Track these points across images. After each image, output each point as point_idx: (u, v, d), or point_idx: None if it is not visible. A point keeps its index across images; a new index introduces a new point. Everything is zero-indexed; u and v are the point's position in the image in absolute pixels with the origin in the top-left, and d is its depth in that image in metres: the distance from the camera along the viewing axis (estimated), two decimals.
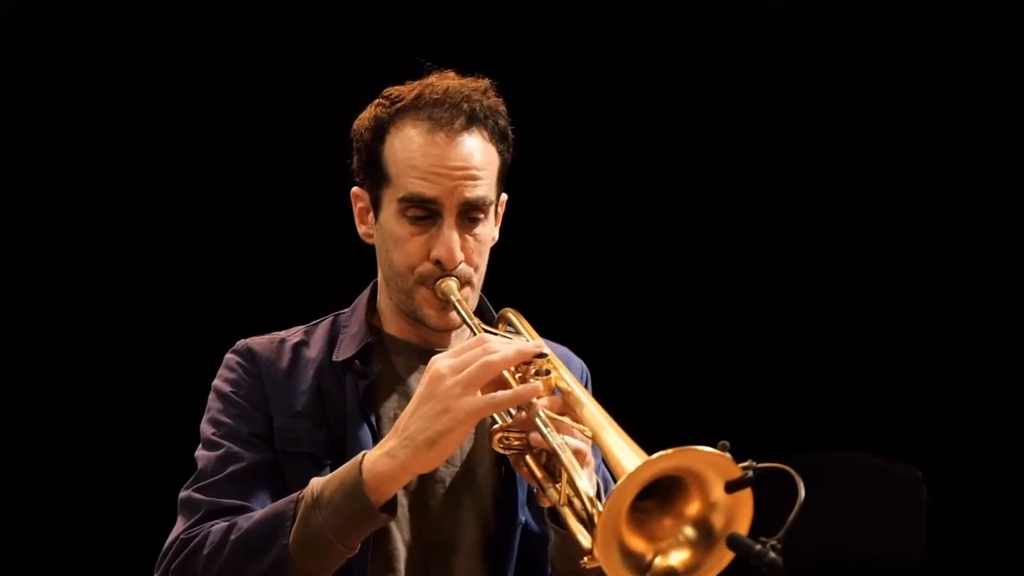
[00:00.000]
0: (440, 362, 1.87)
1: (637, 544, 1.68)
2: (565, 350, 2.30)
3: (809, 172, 4.09)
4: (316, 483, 1.92)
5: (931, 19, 3.99)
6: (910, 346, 4.09)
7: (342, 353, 2.13)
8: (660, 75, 4.03)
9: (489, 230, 2.13)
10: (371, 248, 2.19)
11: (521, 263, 3.61)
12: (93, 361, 3.75)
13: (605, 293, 4.08)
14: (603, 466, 2.12)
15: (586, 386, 2.24)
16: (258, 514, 1.95)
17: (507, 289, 2.29)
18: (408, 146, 2.05)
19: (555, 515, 1.95)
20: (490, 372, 1.83)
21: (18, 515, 3.74)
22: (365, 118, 2.13)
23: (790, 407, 4.08)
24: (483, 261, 2.12)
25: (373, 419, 2.08)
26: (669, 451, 1.62)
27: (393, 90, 2.12)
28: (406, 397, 2.06)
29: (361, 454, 1.91)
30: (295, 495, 1.93)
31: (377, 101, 2.13)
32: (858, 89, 4.05)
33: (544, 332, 2.19)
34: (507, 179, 2.16)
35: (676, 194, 4.11)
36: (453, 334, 2.19)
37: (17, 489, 3.73)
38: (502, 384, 1.88)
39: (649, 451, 1.66)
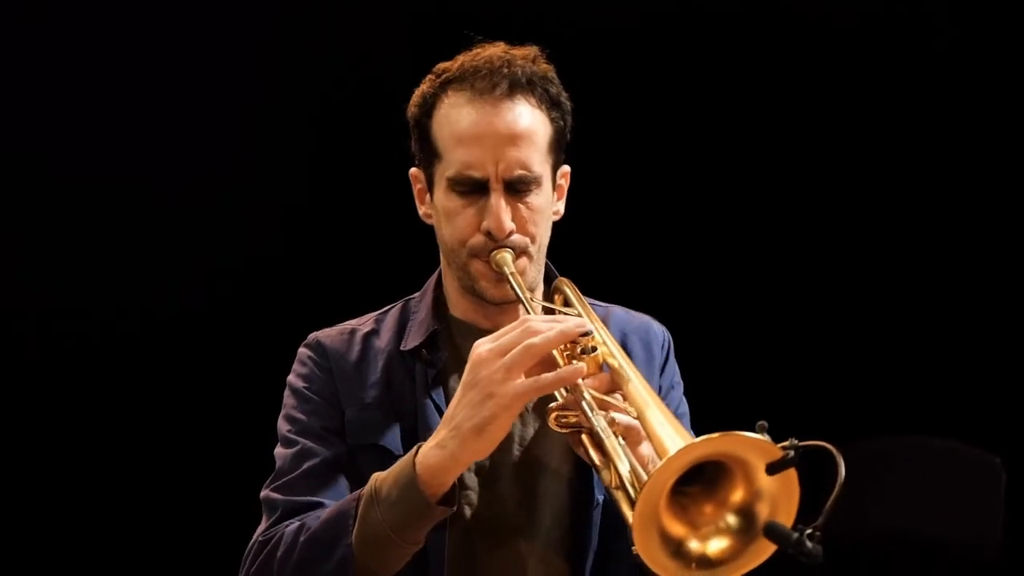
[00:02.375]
0: (482, 347, 1.82)
1: (676, 528, 1.63)
2: (645, 319, 2.24)
3: (881, 147, 4.07)
4: (376, 478, 1.89)
5: (931, 18, 3.96)
6: (993, 333, 4.06)
7: (410, 342, 2.10)
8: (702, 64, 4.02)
9: (544, 200, 2.05)
10: (431, 230, 2.16)
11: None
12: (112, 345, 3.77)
13: (680, 274, 4.07)
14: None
15: (666, 352, 2.21)
16: (325, 513, 1.94)
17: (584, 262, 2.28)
18: (452, 118, 2.01)
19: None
20: (533, 355, 1.78)
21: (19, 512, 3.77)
22: (415, 96, 2.09)
23: (869, 391, 4.05)
24: (541, 231, 2.05)
25: (443, 406, 2.02)
26: (708, 436, 1.57)
27: (441, 65, 2.07)
28: None
29: (416, 447, 1.87)
30: (357, 492, 1.91)
31: (427, 77, 2.08)
32: (855, 89, 4.04)
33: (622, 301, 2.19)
34: (566, 148, 2.10)
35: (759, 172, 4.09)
36: (520, 310, 2.11)
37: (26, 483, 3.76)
38: (549, 364, 1.82)
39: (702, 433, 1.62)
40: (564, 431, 1.83)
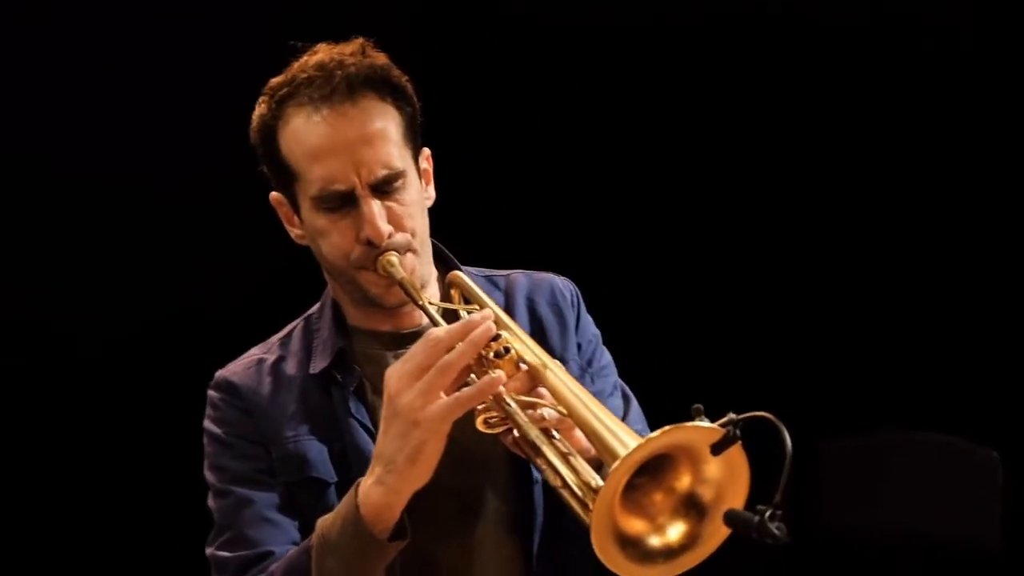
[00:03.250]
0: (395, 374, 1.75)
1: (634, 525, 1.60)
2: (547, 278, 2.14)
3: (859, 141, 4.08)
4: (322, 524, 1.83)
5: (930, 18, 3.96)
6: (990, 328, 4.05)
7: (318, 364, 2.00)
8: (664, 67, 4.04)
9: (414, 192, 1.95)
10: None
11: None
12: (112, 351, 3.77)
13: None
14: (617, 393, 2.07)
15: (576, 309, 2.12)
16: (279, 570, 1.87)
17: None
18: (299, 135, 1.90)
19: None
20: (448, 375, 1.71)
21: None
22: (254, 120, 1.98)
23: (866, 386, 4.06)
24: (418, 224, 1.95)
25: (369, 423, 1.95)
26: (648, 438, 1.53)
27: (273, 81, 1.96)
28: None
29: (355, 484, 1.80)
30: (306, 543, 1.84)
31: (260, 99, 1.97)
32: (851, 89, 4.05)
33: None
34: (421, 133, 1.99)
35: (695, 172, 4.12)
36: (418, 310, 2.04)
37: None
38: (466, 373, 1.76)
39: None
40: (496, 431, 1.78)
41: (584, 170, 4.07)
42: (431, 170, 2.04)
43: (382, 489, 1.74)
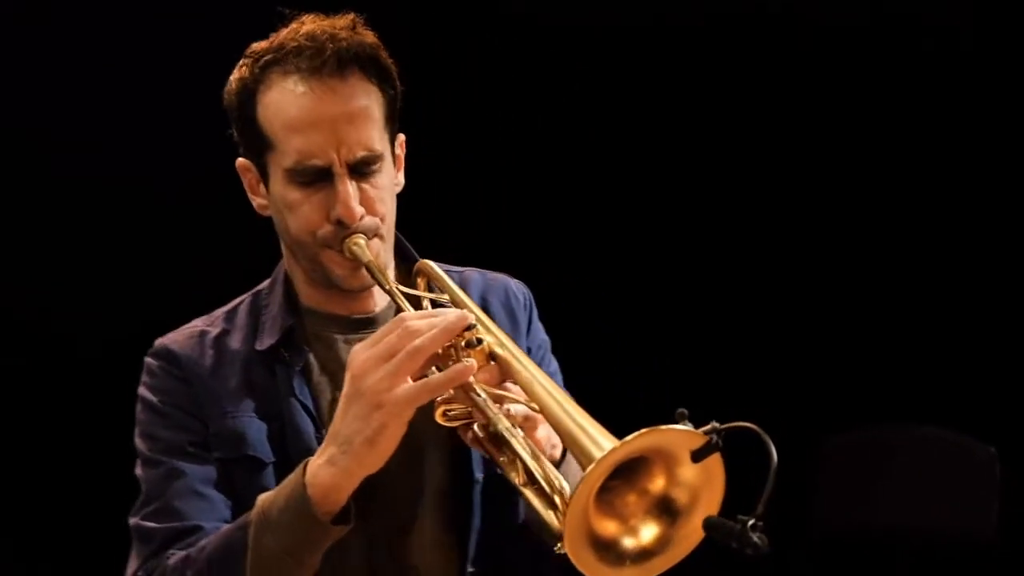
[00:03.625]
0: (361, 355, 1.69)
1: (607, 527, 1.56)
2: (502, 279, 2.09)
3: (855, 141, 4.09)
4: (263, 501, 1.76)
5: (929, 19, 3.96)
6: (988, 323, 4.06)
7: (265, 341, 1.94)
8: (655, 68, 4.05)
9: (388, 177, 1.91)
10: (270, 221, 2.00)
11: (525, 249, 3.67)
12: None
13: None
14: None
15: (528, 313, 2.08)
16: (211, 545, 1.79)
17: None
18: (280, 105, 1.84)
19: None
20: (417, 359, 1.66)
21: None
22: (232, 83, 1.91)
23: (862, 381, 4.08)
24: (388, 209, 1.91)
25: (310, 405, 1.90)
26: (632, 438, 1.49)
27: (256, 46, 1.90)
28: (341, 375, 1.84)
29: (303, 464, 1.73)
30: (243, 519, 1.77)
31: (241, 62, 1.91)
32: (849, 89, 4.06)
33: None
34: (400, 118, 1.94)
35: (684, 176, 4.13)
36: (375, 293, 1.99)
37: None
38: (433, 361, 1.72)
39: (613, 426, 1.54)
40: (454, 424, 1.73)
41: (584, 171, 4.08)
42: (403, 156, 1.99)
43: (334, 470, 1.69)
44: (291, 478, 1.74)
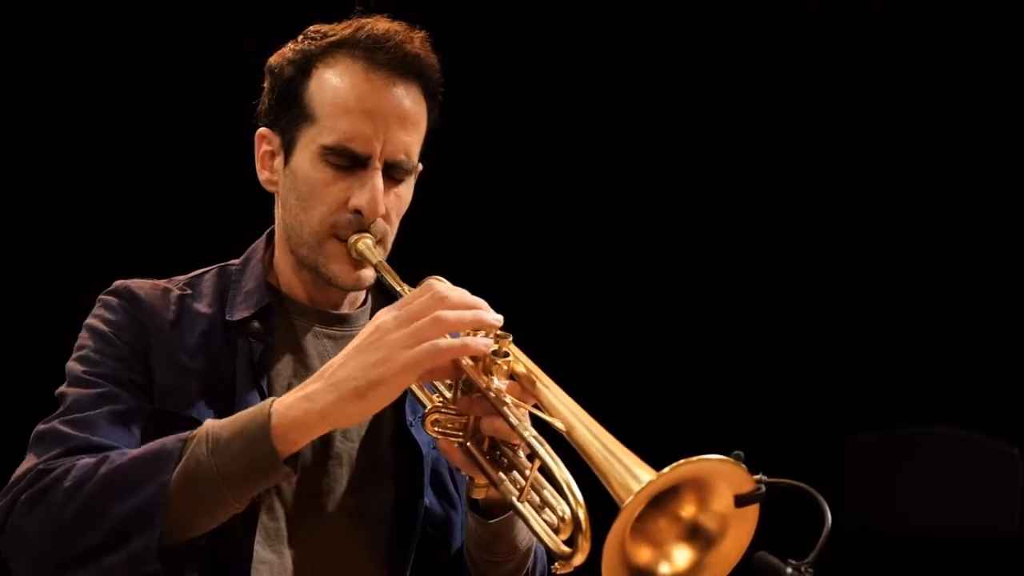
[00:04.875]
0: (388, 313, 1.67)
1: (642, 555, 1.55)
2: None
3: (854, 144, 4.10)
4: (212, 424, 1.69)
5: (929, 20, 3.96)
6: (1009, 325, 4.06)
7: (237, 312, 1.89)
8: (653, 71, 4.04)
9: (409, 192, 1.92)
10: (269, 197, 1.98)
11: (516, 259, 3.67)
12: None
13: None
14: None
15: None
16: (137, 451, 1.70)
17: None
18: (339, 83, 1.84)
19: (475, 503, 1.80)
20: (440, 328, 1.63)
21: None
22: (285, 52, 1.90)
23: (886, 382, 4.08)
24: (396, 223, 1.91)
25: (265, 386, 1.85)
26: (675, 466, 1.47)
27: (319, 27, 1.90)
28: (303, 364, 1.87)
29: (271, 399, 1.68)
30: (184, 434, 1.69)
31: (300, 37, 1.91)
32: (848, 89, 4.05)
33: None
34: (426, 147, 1.95)
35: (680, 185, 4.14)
36: (352, 297, 1.98)
37: None
38: (456, 363, 1.67)
39: (683, 439, 1.58)
40: (445, 436, 1.70)
41: (583, 171, 4.08)
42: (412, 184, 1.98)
43: (308, 406, 1.64)
44: (252, 409, 1.69)
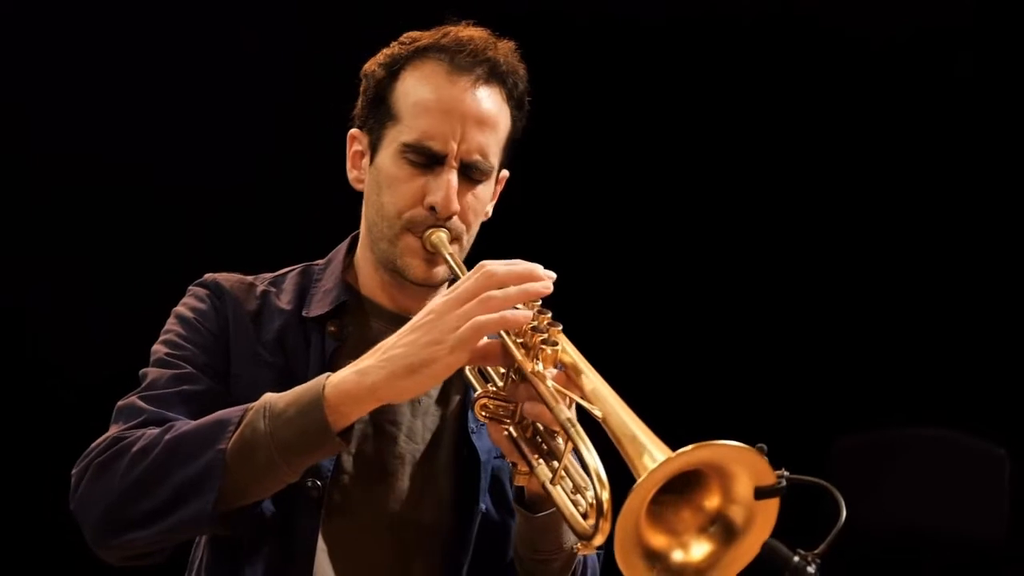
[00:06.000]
0: (441, 297, 1.75)
1: (657, 539, 1.56)
2: None
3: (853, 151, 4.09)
4: (270, 396, 1.77)
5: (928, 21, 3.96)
6: (994, 326, 4.06)
7: (314, 309, 1.99)
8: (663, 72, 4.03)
9: (488, 194, 2.00)
10: (358, 197, 2.05)
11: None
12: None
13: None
14: None
15: None
16: (200, 420, 1.79)
17: None
18: (422, 85, 1.93)
19: (522, 497, 1.85)
20: (490, 307, 1.70)
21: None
22: (379, 56, 2.00)
23: (873, 383, 4.07)
24: (476, 225, 1.99)
25: None
26: (700, 444, 1.49)
27: (413, 33, 2.00)
28: None
29: (327, 374, 1.76)
30: (245, 405, 1.78)
31: (394, 43, 2.01)
32: (847, 89, 4.05)
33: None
34: (512, 152, 2.03)
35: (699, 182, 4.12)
36: (430, 295, 2.02)
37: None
38: (504, 347, 1.73)
39: (669, 438, 1.55)
40: (489, 421, 1.75)
41: (583, 172, 4.07)
42: (500, 192, 2.06)
43: (361, 380, 1.71)
44: (308, 383, 1.76)
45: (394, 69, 1.96)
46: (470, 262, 1.97)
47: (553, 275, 1.77)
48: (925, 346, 4.06)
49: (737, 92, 4.07)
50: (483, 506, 1.95)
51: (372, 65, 2.00)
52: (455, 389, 1.97)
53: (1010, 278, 4.05)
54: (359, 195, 2.04)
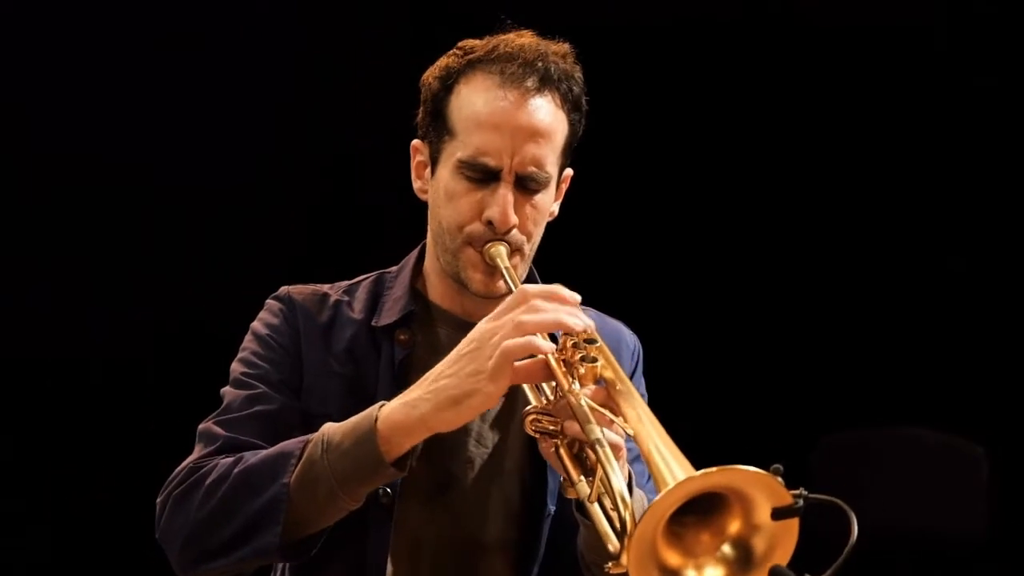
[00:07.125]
0: (484, 323, 1.78)
1: (672, 558, 1.56)
2: (617, 325, 2.17)
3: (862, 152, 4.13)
4: (327, 427, 1.82)
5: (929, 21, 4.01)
6: (973, 325, 4.10)
7: (383, 318, 2.01)
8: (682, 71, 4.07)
9: (548, 201, 2.00)
10: (425, 206, 2.06)
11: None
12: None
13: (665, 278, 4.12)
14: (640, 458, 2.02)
15: (636, 363, 2.15)
16: (265, 451, 1.84)
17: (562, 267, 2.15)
18: (474, 99, 1.93)
19: (583, 508, 1.81)
20: (524, 332, 1.73)
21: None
22: (436, 67, 1.99)
23: (851, 383, 4.11)
24: (538, 231, 1.99)
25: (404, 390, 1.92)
26: (714, 469, 1.49)
27: (468, 42, 1.99)
28: None
29: (380, 403, 1.80)
30: (305, 437, 1.83)
31: (450, 52, 2.00)
32: (847, 90, 4.09)
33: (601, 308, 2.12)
34: (574, 152, 2.03)
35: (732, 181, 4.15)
36: (496, 303, 1.99)
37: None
38: (546, 365, 1.75)
39: (694, 458, 1.56)
40: (537, 435, 1.77)
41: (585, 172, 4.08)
42: (565, 190, 2.07)
43: (411, 413, 1.75)
44: (362, 413, 1.80)
45: (448, 82, 1.96)
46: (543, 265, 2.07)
47: (578, 297, 1.79)
48: (904, 346, 4.09)
49: (737, 92, 4.10)
50: (552, 508, 1.97)
51: (429, 76, 2.00)
52: (522, 392, 1.95)
53: (991, 280, 4.08)
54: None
